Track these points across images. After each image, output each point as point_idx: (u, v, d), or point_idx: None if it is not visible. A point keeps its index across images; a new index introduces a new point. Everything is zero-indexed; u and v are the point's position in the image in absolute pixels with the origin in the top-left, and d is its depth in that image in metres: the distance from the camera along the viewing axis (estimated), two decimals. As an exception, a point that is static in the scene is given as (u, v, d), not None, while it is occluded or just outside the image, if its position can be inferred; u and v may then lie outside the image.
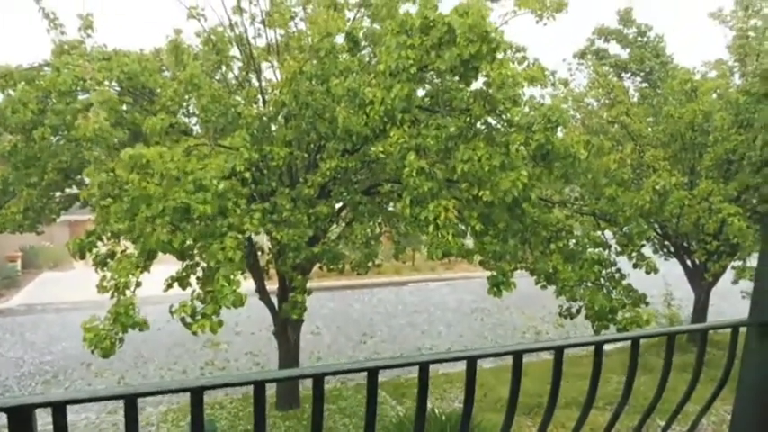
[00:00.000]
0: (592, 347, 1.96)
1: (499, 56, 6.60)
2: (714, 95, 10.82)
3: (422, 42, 6.48)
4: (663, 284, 13.06)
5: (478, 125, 7.26)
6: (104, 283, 6.41)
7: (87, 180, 7.35)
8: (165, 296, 7.45)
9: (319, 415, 1.56)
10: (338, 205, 8.86)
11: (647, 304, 8.32)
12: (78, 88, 7.65)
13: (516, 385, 1.84)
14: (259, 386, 1.48)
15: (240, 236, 6.53)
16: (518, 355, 1.79)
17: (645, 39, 12.89)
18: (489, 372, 9.46)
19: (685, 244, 12.06)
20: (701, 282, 12.24)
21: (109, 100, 7.24)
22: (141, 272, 6.42)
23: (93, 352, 6.13)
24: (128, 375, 11.69)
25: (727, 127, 10.08)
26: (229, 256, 6.20)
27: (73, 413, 8.81)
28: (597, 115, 12.06)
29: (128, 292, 6.27)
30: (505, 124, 7.26)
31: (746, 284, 9.89)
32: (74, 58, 8.01)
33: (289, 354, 9.59)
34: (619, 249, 8.74)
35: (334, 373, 1.65)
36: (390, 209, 9.56)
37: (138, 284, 6.39)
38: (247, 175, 6.91)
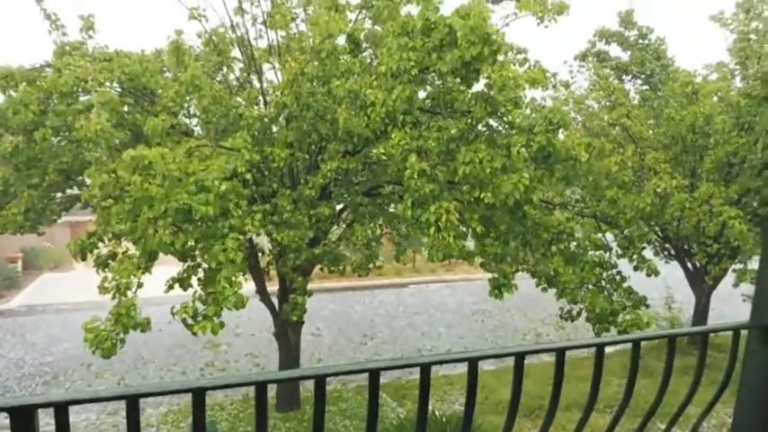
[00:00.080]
0: (593, 349, 1.96)
1: (500, 58, 6.62)
2: (715, 98, 10.83)
3: (423, 44, 6.49)
4: (663, 287, 13.06)
5: (480, 127, 7.27)
6: (106, 284, 6.41)
7: (88, 181, 7.35)
8: (165, 297, 7.45)
9: (321, 416, 1.56)
10: (339, 207, 8.86)
11: (647, 307, 8.31)
12: (80, 89, 7.67)
13: (518, 387, 1.83)
14: (261, 387, 1.48)
15: (241, 237, 6.53)
16: (520, 357, 1.79)
17: (646, 41, 12.91)
18: (490, 374, 9.45)
19: (686, 247, 12.05)
20: (702, 285, 12.23)
21: (110, 101, 7.25)
22: (143, 273, 6.42)
23: (94, 353, 6.13)
24: (128, 376, 11.70)
25: (728, 130, 10.08)
26: (231, 258, 6.20)
27: (73, 414, 8.77)
28: (598, 117, 12.06)
29: (129, 293, 6.26)
30: (507, 126, 7.26)
31: (747, 288, 9.88)
32: (75, 59, 8.02)
33: (289, 355, 9.58)
34: (620, 252, 8.74)
35: (336, 374, 1.65)
36: (391, 210, 9.56)
37: (140, 285, 6.39)
38: (248, 176, 6.92)
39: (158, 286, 7.38)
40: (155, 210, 6.09)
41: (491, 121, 7.33)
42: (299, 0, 9.11)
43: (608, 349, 1.97)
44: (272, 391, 9.64)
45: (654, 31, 12.87)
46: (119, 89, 7.94)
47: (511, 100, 6.77)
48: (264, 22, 8.89)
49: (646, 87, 13.06)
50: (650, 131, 11.64)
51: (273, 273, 9.42)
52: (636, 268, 8.56)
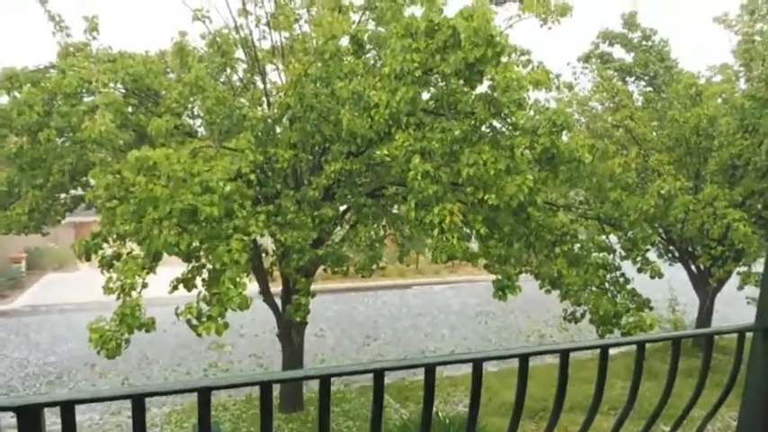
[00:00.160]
0: (596, 351, 1.96)
1: (504, 59, 6.62)
2: (719, 100, 10.80)
3: (427, 46, 6.50)
4: (667, 289, 13.01)
5: (483, 128, 7.28)
6: (110, 285, 6.43)
7: (93, 182, 7.38)
8: (170, 298, 7.46)
9: (326, 416, 1.56)
10: (342, 208, 8.87)
11: (651, 309, 8.30)
12: (84, 90, 7.68)
13: (522, 389, 1.83)
14: (266, 387, 1.49)
15: (246, 238, 6.54)
16: (524, 358, 1.79)
17: (649, 43, 12.90)
18: (494, 375, 9.44)
19: (690, 249, 12.03)
20: (706, 287, 12.18)
21: (114, 102, 7.27)
22: (147, 273, 6.44)
23: (98, 353, 6.15)
24: (132, 377, 11.72)
25: (733, 132, 10.06)
26: (235, 258, 6.21)
27: (77, 414, 8.82)
28: (602, 119, 12.03)
29: (134, 294, 6.28)
30: (510, 128, 7.27)
31: (752, 290, 9.84)
32: (79, 60, 8.05)
33: (293, 356, 9.59)
34: (623, 254, 8.73)
35: (341, 374, 1.65)
36: (395, 212, 9.56)
37: (145, 286, 6.41)
38: (252, 176, 6.93)
39: (163, 287, 7.39)
40: (159, 210, 6.11)
41: (495, 123, 7.33)
42: (303, 1, 9.12)
43: (612, 351, 1.97)
44: (275, 391, 9.61)
45: (657, 32, 12.88)
46: (123, 90, 7.96)
47: (514, 101, 6.76)
48: (268, 24, 8.90)
49: (649, 89, 13.03)
50: (654, 133, 11.62)
51: (277, 273, 9.43)
52: (640, 270, 8.55)
